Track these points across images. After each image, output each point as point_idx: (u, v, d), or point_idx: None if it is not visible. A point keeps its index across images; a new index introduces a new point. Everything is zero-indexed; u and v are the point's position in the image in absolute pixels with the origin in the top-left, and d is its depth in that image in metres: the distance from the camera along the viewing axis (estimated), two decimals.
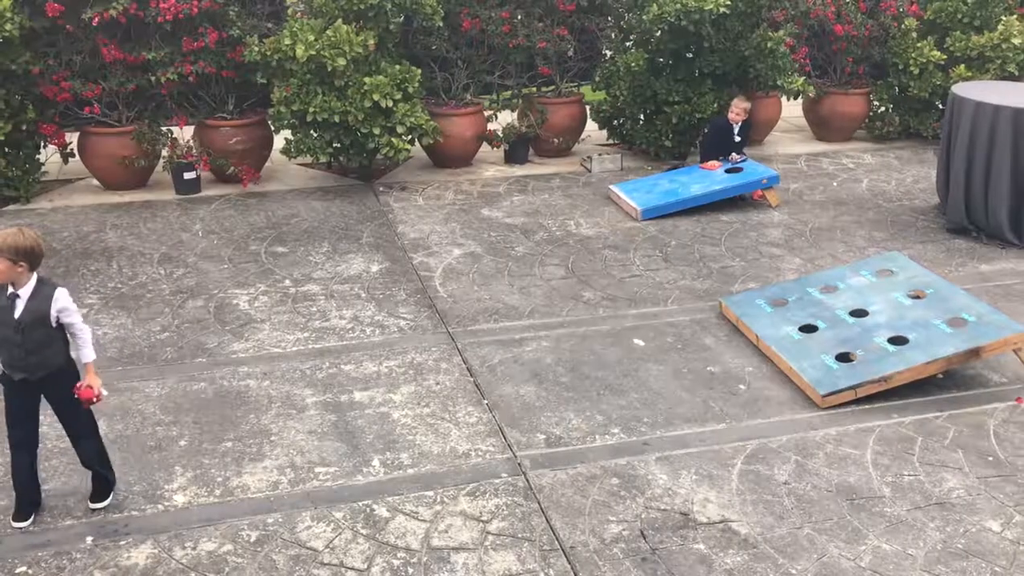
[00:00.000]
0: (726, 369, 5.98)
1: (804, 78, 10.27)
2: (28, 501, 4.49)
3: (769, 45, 9.78)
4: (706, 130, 9.68)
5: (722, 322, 6.59)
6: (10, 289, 4.18)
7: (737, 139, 9.26)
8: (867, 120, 11.39)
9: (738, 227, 8.44)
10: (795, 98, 10.61)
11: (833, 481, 4.84)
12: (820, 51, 11.19)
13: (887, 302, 6.30)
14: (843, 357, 5.84)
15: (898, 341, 5.85)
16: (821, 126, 11.39)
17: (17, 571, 4.16)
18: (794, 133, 11.76)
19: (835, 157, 10.76)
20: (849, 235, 8.29)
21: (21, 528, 4.43)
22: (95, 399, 4.38)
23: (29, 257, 4.13)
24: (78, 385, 4.39)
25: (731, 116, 9.21)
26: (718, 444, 5.17)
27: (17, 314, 4.18)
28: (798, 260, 7.72)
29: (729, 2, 9.22)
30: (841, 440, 5.21)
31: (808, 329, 6.19)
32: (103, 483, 4.65)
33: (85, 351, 4.42)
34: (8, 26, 7.95)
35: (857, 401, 5.55)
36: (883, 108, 11.32)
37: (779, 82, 9.99)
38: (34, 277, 4.22)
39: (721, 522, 4.51)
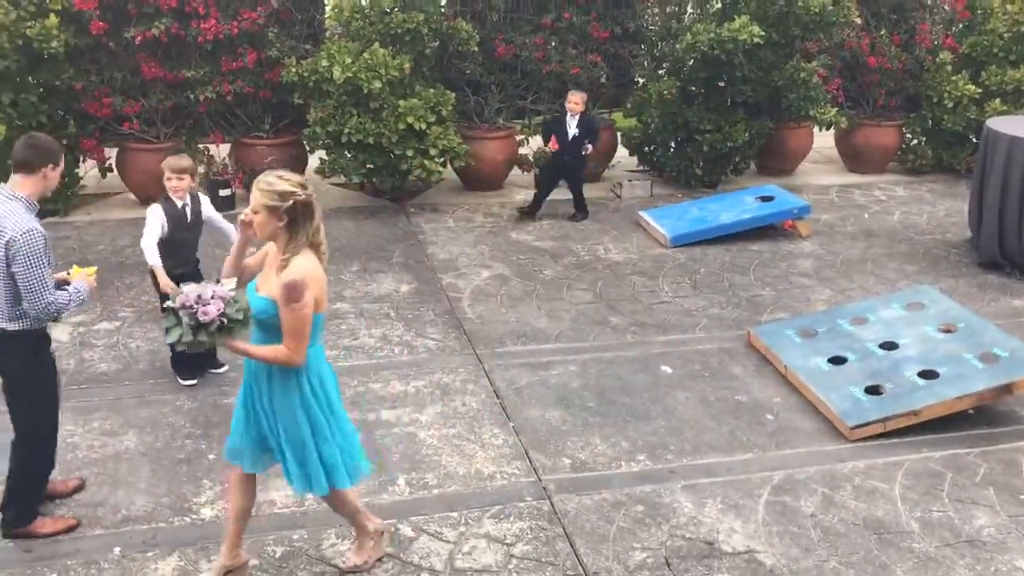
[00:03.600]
0: (754, 399, 5.95)
1: (836, 109, 10.27)
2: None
3: (802, 76, 9.80)
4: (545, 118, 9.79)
5: (750, 351, 6.58)
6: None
7: (575, 131, 8.91)
8: (899, 152, 11.35)
9: (768, 256, 8.43)
10: (827, 129, 10.60)
11: (860, 515, 4.80)
12: (853, 82, 11.18)
13: (918, 336, 6.26)
14: (872, 390, 5.81)
15: (928, 375, 5.81)
16: (853, 158, 11.37)
17: None
18: (825, 164, 11.73)
19: (867, 189, 10.72)
20: (880, 267, 8.25)
21: None
22: None
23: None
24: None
25: (567, 106, 8.98)
26: (745, 474, 5.14)
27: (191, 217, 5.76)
28: (828, 291, 7.69)
29: (763, 33, 9.26)
30: (869, 473, 5.17)
31: (837, 361, 6.16)
32: None
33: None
34: (54, 43, 8.13)
35: (886, 434, 5.51)
36: (916, 141, 11.28)
37: (811, 112, 10.00)
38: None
39: (747, 552, 4.49)
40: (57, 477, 4.75)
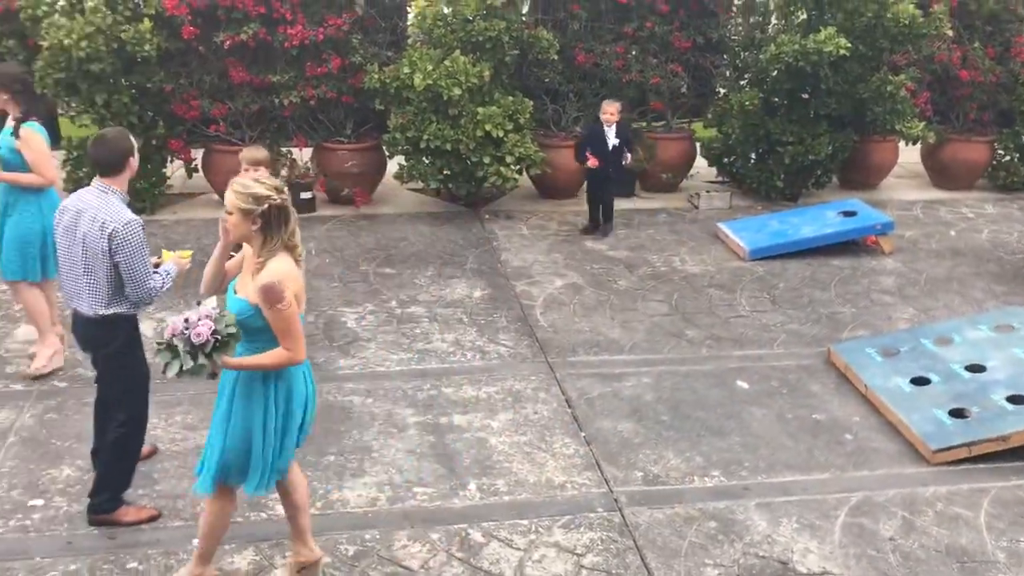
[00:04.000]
0: (832, 417, 5.82)
1: (924, 123, 10.00)
2: None
3: (889, 89, 9.57)
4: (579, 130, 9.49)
5: (829, 369, 6.43)
6: None
7: (615, 141, 8.76)
8: (990, 169, 10.98)
9: (849, 273, 8.24)
10: (913, 143, 10.33)
11: (943, 541, 4.66)
12: (943, 96, 10.87)
13: (1007, 358, 6.05)
14: (957, 413, 5.63)
15: (1018, 400, 5.61)
16: (940, 173, 11.04)
17: (128, 566, 4.33)
18: (910, 179, 11.43)
19: (953, 206, 10.41)
20: (966, 287, 8.00)
21: None
22: None
23: None
24: None
25: (602, 117, 8.81)
26: (821, 494, 5.03)
27: None
28: (911, 310, 7.49)
29: (849, 45, 9.07)
30: (952, 499, 5.01)
31: (920, 382, 5.99)
32: None
33: None
34: (147, 47, 8.39)
35: (971, 459, 5.33)
36: (1008, 157, 10.90)
37: (897, 126, 9.75)
38: None
39: (822, 574, 4.39)
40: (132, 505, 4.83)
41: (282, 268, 3.72)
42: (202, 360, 3.66)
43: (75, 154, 9.00)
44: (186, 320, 3.68)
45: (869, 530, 4.74)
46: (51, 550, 4.42)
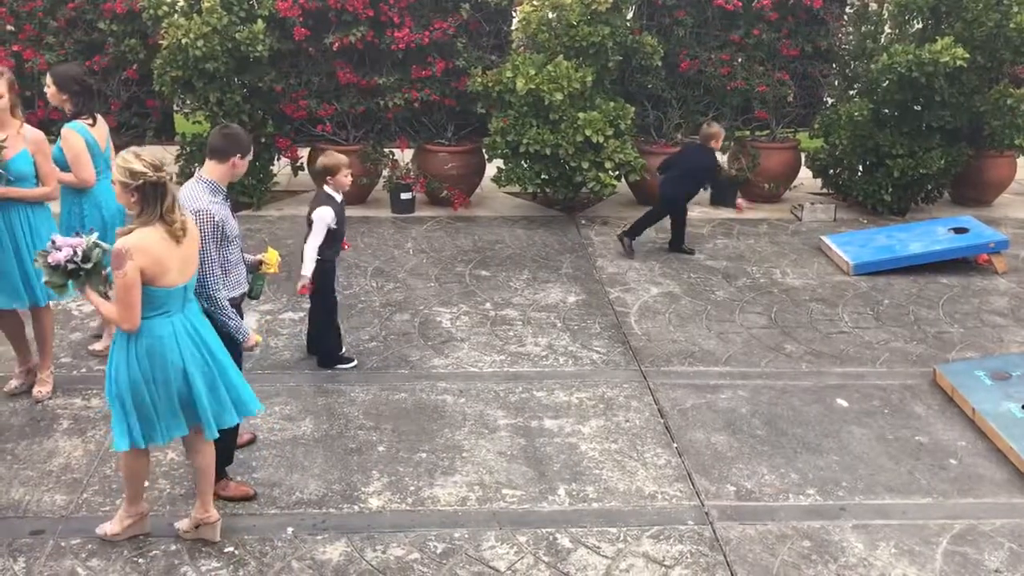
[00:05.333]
0: (936, 440, 5.61)
1: None
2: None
3: (1009, 102, 9.19)
4: (707, 170, 8.48)
5: (935, 390, 6.20)
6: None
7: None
8: None
9: (959, 291, 7.93)
10: None
11: None
12: None
13: None
14: None
15: None
16: None
17: (226, 550, 4.46)
18: None
19: None
20: None
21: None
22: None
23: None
24: None
25: (718, 145, 8.48)
26: (922, 519, 4.85)
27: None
28: None
29: (967, 55, 8.74)
30: None
31: None
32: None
33: None
34: (260, 47, 8.66)
35: None
36: None
37: (1017, 141, 9.35)
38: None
39: None
40: (233, 481, 4.99)
41: (140, 239, 3.98)
42: (56, 279, 4.12)
43: (188, 150, 9.34)
44: (53, 242, 4.11)
45: (973, 560, 4.54)
46: (154, 529, 4.58)
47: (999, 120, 9.35)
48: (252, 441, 5.36)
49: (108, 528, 4.52)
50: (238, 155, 4.54)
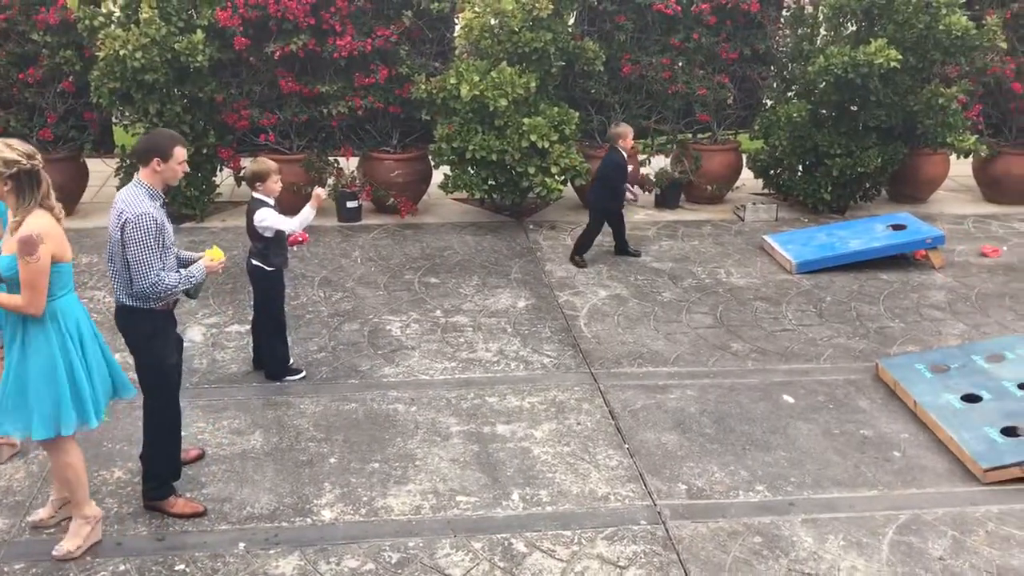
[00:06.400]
0: (880, 434, 5.74)
1: (976, 137, 9.84)
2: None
3: (940, 101, 9.44)
4: (609, 167, 8.33)
5: (878, 384, 6.35)
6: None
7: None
8: None
9: (898, 287, 8.13)
10: (965, 157, 10.16)
11: (994, 562, 4.56)
12: (995, 109, 10.69)
13: None
14: (1009, 431, 5.52)
15: None
16: (992, 187, 10.85)
17: (176, 568, 4.40)
18: (962, 193, 11.25)
19: (1006, 220, 10.22)
20: (1019, 303, 7.84)
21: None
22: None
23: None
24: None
25: (628, 144, 8.38)
26: (869, 511, 4.96)
27: None
28: (962, 326, 7.36)
29: (900, 57, 8.97)
30: (1004, 519, 4.91)
31: (971, 399, 5.89)
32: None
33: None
34: (200, 57, 8.55)
35: (1023, 479, 5.22)
36: None
37: (949, 139, 9.61)
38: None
39: None
40: (183, 497, 4.93)
41: (42, 224, 4.03)
42: None
43: (128, 162, 9.18)
44: None
45: (918, 549, 4.66)
46: (102, 550, 4.50)
47: (932, 119, 9.60)
48: (200, 456, 5.29)
49: (67, 546, 4.43)
50: (156, 158, 4.47)
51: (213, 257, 4.77)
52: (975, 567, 4.53)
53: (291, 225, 5.94)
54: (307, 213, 6.00)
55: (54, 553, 4.42)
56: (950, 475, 5.32)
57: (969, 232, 9.77)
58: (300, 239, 6.17)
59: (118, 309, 4.59)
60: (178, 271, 4.59)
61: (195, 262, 4.74)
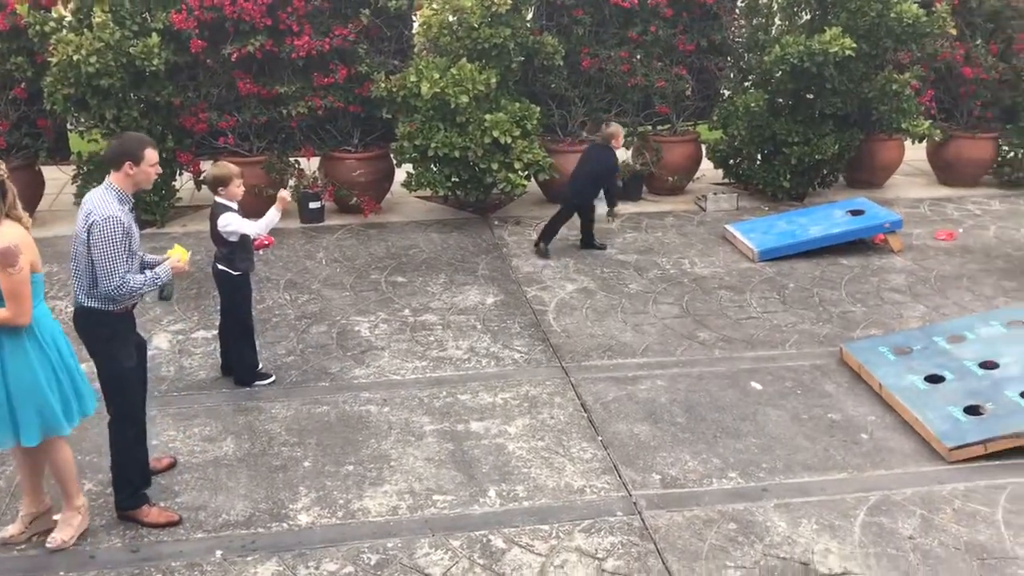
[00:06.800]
0: (847, 417, 5.84)
1: (930, 121, 10.02)
2: None
3: (894, 88, 9.61)
4: (610, 170, 8.48)
5: (843, 368, 6.45)
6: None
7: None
8: (995, 165, 11.02)
9: (859, 272, 8.26)
10: (919, 141, 10.35)
11: (962, 538, 4.67)
12: (947, 94, 10.90)
13: (1020, 355, 6.06)
14: (972, 410, 5.64)
15: None
16: (945, 170, 11.07)
17: None
18: (916, 177, 11.46)
19: (960, 203, 10.43)
20: (977, 283, 8.01)
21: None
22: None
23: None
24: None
25: (619, 144, 8.50)
26: (839, 494, 5.05)
27: None
28: (922, 308, 7.50)
29: (854, 45, 9.10)
30: (969, 496, 5.03)
31: (934, 379, 6.01)
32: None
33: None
34: (156, 61, 8.45)
35: (987, 456, 5.34)
36: (1013, 153, 10.93)
37: (903, 125, 9.79)
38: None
39: (843, 574, 4.41)
40: (157, 506, 4.90)
41: (16, 234, 4.03)
42: None
43: (85, 169, 9.05)
44: None
45: (888, 529, 4.75)
46: (74, 564, 4.44)
47: (886, 105, 9.77)
48: (172, 465, 5.24)
49: (61, 536, 4.51)
50: (128, 162, 4.43)
51: (179, 257, 4.74)
52: (944, 544, 4.63)
53: (256, 229, 5.90)
54: (272, 216, 5.95)
55: (49, 544, 4.49)
56: (916, 455, 5.43)
57: (925, 215, 9.95)
58: (265, 242, 6.13)
59: (77, 311, 4.55)
60: (143, 272, 4.57)
61: (160, 264, 4.71)
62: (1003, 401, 5.63)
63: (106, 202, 4.37)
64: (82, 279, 4.44)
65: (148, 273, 4.57)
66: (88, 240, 4.34)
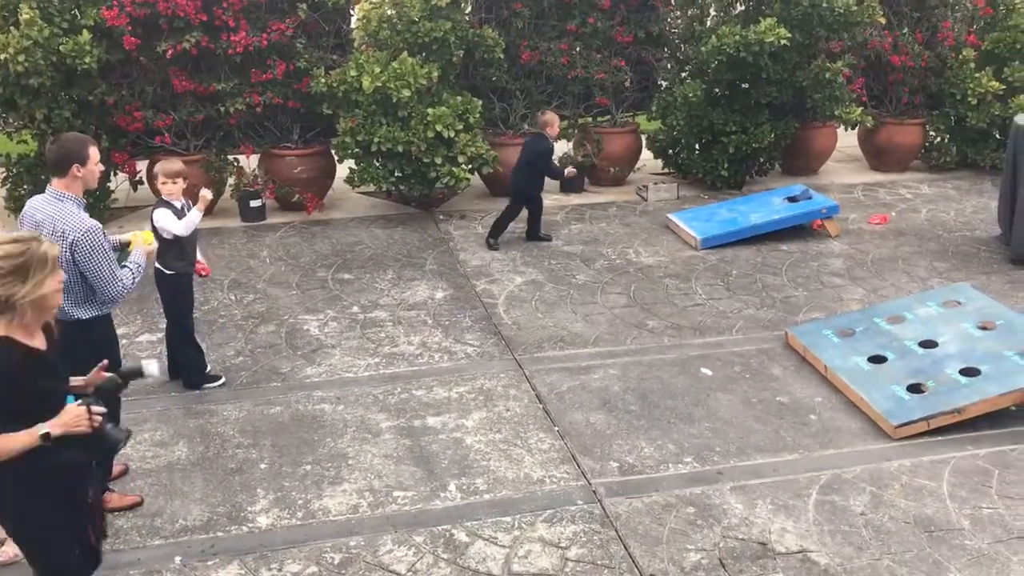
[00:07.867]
0: (796, 399, 5.98)
1: (861, 108, 10.28)
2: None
3: (827, 76, 9.83)
4: (540, 154, 8.48)
5: (788, 352, 6.60)
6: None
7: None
8: (923, 150, 11.35)
9: (799, 257, 8.45)
10: (852, 128, 10.61)
11: (910, 513, 4.82)
12: (876, 81, 11.19)
13: (957, 333, 6.27)
14: (914, 388, 5.83)
15: (970, 372, 5.82)
16: (877, 156, 11.37)
17: None
18: (849, 163, 11.74)
19: (892, 187, 10.73)
20: (911, 265, 8.26)
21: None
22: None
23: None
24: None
25: (550, 132, 8.57)
26: (792, 474, 5.17)
27: None
28: (861, 290, 7.71)
29: (789, 35, 9.29)
30: (916, 471, 5.19)
31: (877, 360, 6.19)
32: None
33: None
34: (87, 59, 8.23)
35: (930, 432, 5.52)
36: (939, 138, 11.28)
37: (836, 112, 10.02)
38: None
39: (800, 552, 4.52)
40: (115, 491, 4.83)
41: None
42: None
43: (15, 171, 8.79)
44: None
45: (841, 507, 4.88)
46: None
47: (820, 93, 9.99)
48: (124, 472, 5.13)
49: (11, 550, 4.33)
50: (75, 164, 4.35)
51: (145, 240, 4.75)
52: (894, 519, 4.77)
53: (178, 228, 5.72)
54: (193, 216, 5.76)
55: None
56: (864, 434, 5.59)
57: (859, 200, 10.21)
58: (202, 272, 5.99)
59: (69, 325, 4.35)
60: (125, 266, 4.57)
61: (123, 248, 4.71)
62: (943, 378, 5.82)
63: (73, 215, 4.32)
64: (71, 292, 4.35)
65: (129, 266, 4.60)
66: (74, 258, 4.29)
